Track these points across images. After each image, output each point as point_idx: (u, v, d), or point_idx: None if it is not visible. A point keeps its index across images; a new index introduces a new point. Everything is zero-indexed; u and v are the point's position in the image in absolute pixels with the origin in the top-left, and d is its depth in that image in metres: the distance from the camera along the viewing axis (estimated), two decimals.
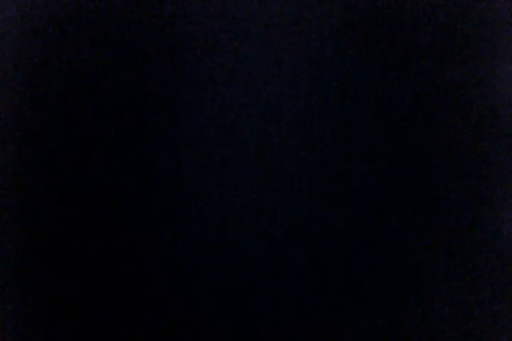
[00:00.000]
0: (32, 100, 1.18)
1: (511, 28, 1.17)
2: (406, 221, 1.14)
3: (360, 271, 1.14)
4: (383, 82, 1.15)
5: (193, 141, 1.16)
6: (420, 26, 1.16)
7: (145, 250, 1.15)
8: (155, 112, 1.16)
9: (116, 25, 1.17)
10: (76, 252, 1.16)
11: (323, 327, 1.14)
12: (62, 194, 1.16)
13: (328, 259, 1.14)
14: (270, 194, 1.15)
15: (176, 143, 1.16)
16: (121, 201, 1.15)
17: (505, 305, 1.15)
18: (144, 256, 1.15)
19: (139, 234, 1.15)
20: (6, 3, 1.19)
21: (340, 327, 1.14)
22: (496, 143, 1.16)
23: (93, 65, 1.17)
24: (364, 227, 1.14)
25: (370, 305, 1.14)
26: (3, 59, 1.19)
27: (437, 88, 1.16)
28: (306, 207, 1.14)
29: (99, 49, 1.17)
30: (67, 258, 1.16)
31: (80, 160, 1.16)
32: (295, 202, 1.15)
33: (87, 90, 1.17)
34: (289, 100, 1.15)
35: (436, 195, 1.15)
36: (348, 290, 1.14)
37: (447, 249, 1.14)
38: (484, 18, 1.17)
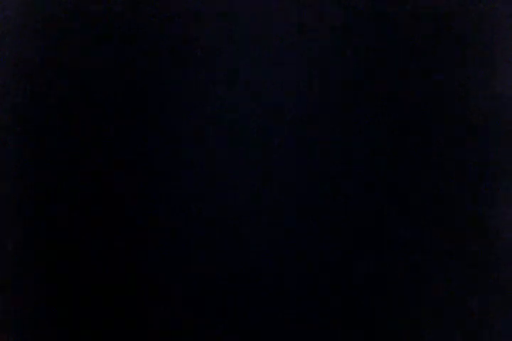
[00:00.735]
0: (32, 100, 1.18)
1: (511, 28, 1.17)
2: (406, 221, 1.14)
3: (359, 271, 1.14)
4: (383, 82, 1.15)
5: (193, 141, 1.16)
6: (420, 26, 1.16)
7: (145, 250, 1.15)
8: (155, 112, 1.16)
9: (117, 25, 1.17)
10: (76, 252, 1.16)
11: (322, 328, 1.14)
12: (62, 194, 1.16)
13: (328, 259, 1.14)
14: (270, 193, 1.15)
15: (175, 143, 1.16)
16: (121, 201, 1.15)
17: (505, 305, 1.15)
18: (144, 256, 1.15)
19: (139, 234, 1.15)
20: (6, 3, 1.19)
21: (340, 327, 1.14)
22: (496, 143, 1.16)
23: (93, 65, 1.17)
24: (364, 227, 1.14)
25: (370, 305, 1.14)
26: (3, 59, 1.19)
27: (437, 88, 1.16)
28: (306, 206, 1.14)
29: (100, 49, 1.17)
30: (67, 259, 1.16)
31: (80, 160, 1.16)
32: (295, 201, 1.15)
33: (87, 90, 1.17)
34: (289, 100, 1.15)
35: (436, 194, 1.15)
36: (348, 290, 1.14)
37: (447, 248, 1.14)
38: (484, 18, 1.17)
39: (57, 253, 1.16)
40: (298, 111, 1.15)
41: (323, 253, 1.14)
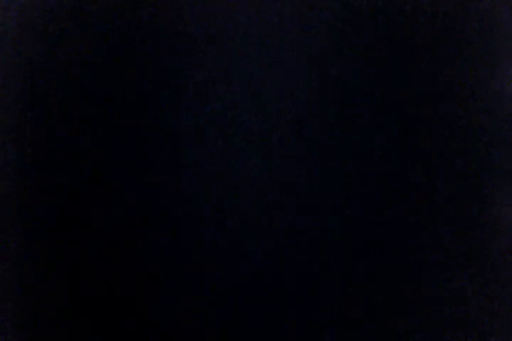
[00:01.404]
0: (32, 100, 1.18)
1: (511, 28, 1.17)
2: (406, 221, 1.14)
3: (359, 271, 1.14)
4: (383, 81, 1.15)
5: (193, 141, 1.15)
6: (420, 26, 1.16)
7: (145, 250, 1.15)
8: (155, 112, 1.16)
9: (117, 25, 1.17)
10: (76, 252, 1.16)
11: (322, 328, 1.14)
12: (62, 194, 1.16)
13: (328, 259, 1.14)
14: (270, 193, 1.15)
15: (175, 143, 1.15)
16: (121, 201, 1.15)
17: (505, 304, 1.15)
18: (144, 256, 1.15)
19: (139, 234, 1.15)
20: (6, 3, 1.19)
21: (340, 327, 1.14)
22: (496, 143, 1.16)
23: (93, 65, 1.17)
24: (364, 227, 1.14)
25: (370, 305, 1.13)
26: (3, 59, 1.19)
27: (437, 88, 1.16)
28: (306, 206, 1.14)
29: (99, 49, 1.17)
30: (67, 259, 1.16)
31: (80, 159, 1.16)
32: (295, 201, 1.14)
33: (87, 90, 1.17)
34: (289, 100, 1.15)
35: (436, 194, 1.15)
36: (348, 290, 1.14)
37: (447, 248, 1.14)
38: (484, 18, 1.17)
39: (56, 254, 1.16)
40: (298, 111, 1.15)
41: (323, 253, 1.14)
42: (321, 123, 1.15)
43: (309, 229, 1.14)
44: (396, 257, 1.14)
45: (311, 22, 1.16)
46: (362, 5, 1.15)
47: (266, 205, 1.14)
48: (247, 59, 1.16)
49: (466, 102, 1.16)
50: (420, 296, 1.14)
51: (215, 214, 1.14)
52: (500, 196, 1.15)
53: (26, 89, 1.18)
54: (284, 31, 1.16)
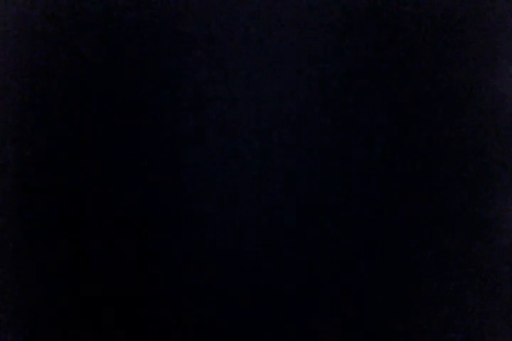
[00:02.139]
0: (32, 100, 1.18)
1: (511, 28, 1.17)
2: (406, 221, 1.14)
3: (359, 271, 1.14)
4: (383, 81, 1.15)
5: (193, 141, 1.15)
6: (420, 26, 1.16)
7: (145, 250, 1.15)
8: (155, 112, 1.16)
9: (116, 25, 1.17)
10: (76, 252, 1.16)
11: (322, 328, 1.14)
12: (62, 194, 1.16)
13: (328, 259, 1.14)
14: (270, 193, 1.15)
15: (175, 143, 1.15)
16: (121, 201, 1.15)
17: (505, 305, 1.15)
18: (144, 256, 1.15)
19: (139, 234, 1.15)
20: (6, 3, 1.19)
21: (340, 328, 1.14)
22: (496, 143, 1.16)
23: (93, 65, 1.17)
24: (363, 227, 1.14)
25: (370, 305, 1.13)
26: (3, 59, 1.19)
27: (437, 88, 1.16)
28: (306, 206, 1.14)
29: (99, 49, 1.17)
30: (67, 259, 1.16)
31: (80, 159, 1.16)
32: (295, 201, 1.14)
33: (87, 90, 1.17)
34: (289, 100, 1.15)
35: (436, 194, 1.15)
36: (348, 290, 1.14)
37: (447, 248, 1.14)
38: (484, 18, 1.17)
39: (56, 254, 1.16)
40: (298, 111, 1.15)
41: (322, 252, 1.14)
42: (321, 123, 1.15)
43: (309, 229, 1.14)
44: (395, 257, 1.14)
45: (311, 22, 1.16)
46: (362, 6, 1.15)
47: (266, 205, 1.14)
48: (247, 60, 1.16)
49: (466, 102, 1.16)
50: (420, 296, 1.14)
51: (215, 214, 1.14)
52: (500, 196, 1.15)
53: (26, 89, 1.18)
54: (284, 31, 1.16)
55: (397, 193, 1.14)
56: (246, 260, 1.14)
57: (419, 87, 1.15)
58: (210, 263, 1.14)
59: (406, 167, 1.15)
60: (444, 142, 1.15)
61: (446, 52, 1.16)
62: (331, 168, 1.14)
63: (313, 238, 1.14)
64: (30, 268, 1.16)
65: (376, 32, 1.15)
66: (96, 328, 1.15)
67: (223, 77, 1.15)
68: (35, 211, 1.17)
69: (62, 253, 1.16)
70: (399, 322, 1.13)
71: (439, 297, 1.14)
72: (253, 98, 1.15)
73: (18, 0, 1.19)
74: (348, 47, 1.15)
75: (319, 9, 1.16)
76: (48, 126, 1.17)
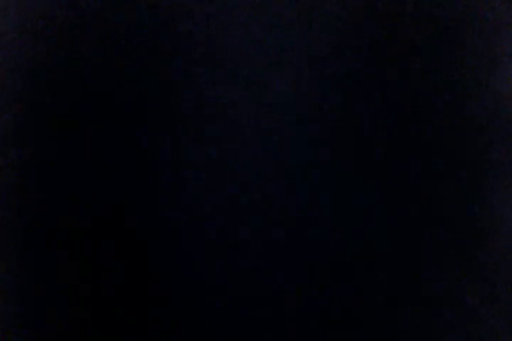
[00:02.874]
0: (32, 100, 1.18)
1: (511, 28, 1.17)
2: (406, 221, 1.14)
3: (360, 271, 1.14)
4: (383, 81, 1.15)
5: (193, 141, 1.16)
6: (420, 26, 1.16)
7: (144, 251, 1.15)
8: (155, 112, 1.16)
9: (116, 25, 1.17)
10: (76, 252, 1.16)
11: (322, 328, 1.14)
12: (62, 194, 1.16)
13: (328, 259, 1.14)
14: (270, 193, 1.15)
15: (175, 143, 1.16)
16: (121, 201, 1.15)
17: (505, 305, 1.15)
18: (144, 256, 1.15)
19: (138, 234, 1.15)
20: (6, 3, 1.19)
21: (340, 328, 1.14)
22: (496, 143, 1.16)
23: (93, 65, 1.17)
24: (363, 227, 1.14)
25: (370, 305, 1.13)
26: (3, 59, 1.19)
27: (437, 88, 1.16)
28: (306, 207, 1.14)
29: (99, 49, 1.17)
30: (67, 259, 1.16)
31: (80, 159, 1.16)
32: (295, 202, 1.15)
33: (87, 90, 1.17)
34: (289, 99, 1.15)
35: (436, 194, 1.15)
36: (348, 290, 1.14)
37: (447, 248, 1.14)
38: (484, 18, 1.17)
39: (56, 254, 1.16)
40: (298, 110, 1.15)
41: (323, 253, 1.14)
42: (321, 123, 1.15)
43: (309, 229, 1.14)
44: (395, 257, 1.14)
45: (311, 22, 1.16)
46: (362, 6, 1.16)
47: (266, 205, 1.14)
48: (247, 60, 1.16)
49: (466, 102, 1.16)
50: (420, 296, 1.14)
51: (215, 213, 1.15)
52: (500, 196, 1.15)
53: (26, 88, 1.18)
54: (284, 31, 1.16)
55: (397, 193, 1.14)
56: (246, 260, 1.14)
57: (419, 86, 1.15)
58: (210, 263, 1.14)
59: (406, 167, 1.15)
60: (443, 142, 1.15)
61: (446, 52, 1.16)
62: (331, 168, 1.15)
63: (313, 238, 1.14)
64: (30, 268, 1.16)
65: (376, 32, 1.15)
66: (96, 328, 1.15)
67: (223, 77, 1.15)
68: (35, 211, 1.17)
69: (62, 253, 1.16)
70: (399, 322, 1.14)
71: (439, 297, 1.14)
72: (253, 98, 1.15)
73: (18, 0, 1.19)
74: (348, 47, 1.15)
75: (319, 9, 1.16)
76: (48, 126, 1.17)
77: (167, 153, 1.15)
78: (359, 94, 1.15)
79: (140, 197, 1.15)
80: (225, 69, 1.16)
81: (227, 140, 1.15)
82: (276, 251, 1.14)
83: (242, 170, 1.15)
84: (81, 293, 1.15)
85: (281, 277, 1.14)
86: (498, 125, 1.16)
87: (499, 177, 1.16)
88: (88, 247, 1.15)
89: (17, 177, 1.17)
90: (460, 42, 1.16)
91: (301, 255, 1.14)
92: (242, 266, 1.14)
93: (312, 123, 1.15)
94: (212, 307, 1.14)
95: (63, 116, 1.17)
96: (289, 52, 1.16)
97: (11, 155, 1.18)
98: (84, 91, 1.17)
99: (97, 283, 1.15)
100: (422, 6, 1.16)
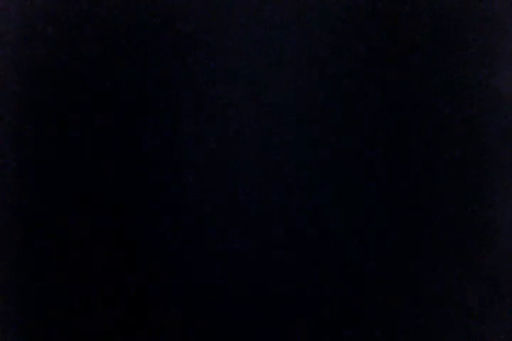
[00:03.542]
0: (32, 100, 1.18)
1: (511, 28, 1.17)
2: (405, 221, 1.14)
3: (360, 271, 1.14)
4: (383, 81, 1.15)
5: (193, 141, 1.16)
6: (420, 26, 1.16)
7: (145, 250, 1.15)
8: (155, 112, 1.16)
9: (116, 25, 1.17)
10: (76, 252, 1.16)
11: (322, 328, 1.14)
12: (62, 194, 1.16)
13: (328, 259, 1.14)
14: (270, 193, 1.15)
15: (175, 143, 1.16)
16: (121, 201, 1.15)
17: (505, 305, 1.15)
18: (144, 256, 1.15)
19: (138, 234, 1.15)
20: (6, 3, 1.19)
21: (340, 328, 1.14)
22: (496, 143, 1.16)
23: (93, 65, 1.17)
24: (363, 227, 1.14)
25: (370, 305, 1.14)
26: (3, 59, 1.19)
27: (437, 88, 1.16)
28: (306, 207, 1.14)
29: (99, 49, 1.17)
30: (67, 259, 1.16)
31: (80, 159, 1.16)
32: (295, 202, 1.15)
33: (87, 90, 1.17)
34: (289, 99, 1.15)
35: (436, 194, 1.15)
36: (348, 290, 1.14)
37: (447, 248, 1.14)
38: (484, 18, 1.17)
39: (56, 254, 1.16)
40: (298, 110, 1.15)
41: (322, 253, 1.14)
42: (321, 123, 1.15)
43: (309, 229, 1.14)
44: (395, 257, 1.14)
45: (311, 22, 1.16)
46: (362, 6, 1.16)
47: (266, 205, 1.15)
48: (247, 60, 1.16)
49: (466, 102, 1.16)
50: (420, 296, 1.14)
51: (215, 213, 1.15)
52: (500, 196, 1.15)
53: (26, 88, 1.18)
54: (284, 31, 1.16)
55: (397, 193, 1.14)
56: (246, 260, 1.14)
57: (419, 86, 1.15)
58: (209, 263, 1.14)
59: (406, 167, 1.15)
60: (443, 142, 1.15)
61: (446, 51, 1.16)
62: (331, 168, 1.15)
63: (313, 238, 1.14)
64: (30, 267, 1.16)
65: (376, 32, 1.15)
66: (96, 328, 1.15)
67: (223, 77, 1.16)
68: (35, 211, 1.17)
69: (62, 253, 1.16)
70: (399, 322, 1.14)
71: (439, 297, 1.14)
72: (253, 98, 1.15)
73: (18, 0, 1.19)
74: (348, 47, 1.15)
75: (319, 9, 1.16)
76: (48, 126, 1.17)
77: (167, 153, 1.15)
78: (359, 94, 1.15)
79: (140, 197, 1.15)
80: (225, 69, 1.16)
81: (227, 140, 1.15)
82: (276, 251, 1.14)
83: (242, 170, 1.15)
84: (81, 293, 1.15)
85: (281, 277, 1.14)
86: (498, 125, 1.16)
87: (499, 177, 1.16)
88: (88, 247, 1.15)
89: (17, 177, 1.18)
90: (460, 42, 1.16)
91: (301, 255, 1.14)
92: (242, 266, 1.14)
93: (312, 123, 1.15)
94: (212, 307, 1.14)
95: (63, 116, 1.17)
96: (289, 52, 1.16)
97: (10, 155, 1.18)
98: (84, 91, 1.17)
99: (97, 283, 1.15)
100: (421, 5, 1.16)
